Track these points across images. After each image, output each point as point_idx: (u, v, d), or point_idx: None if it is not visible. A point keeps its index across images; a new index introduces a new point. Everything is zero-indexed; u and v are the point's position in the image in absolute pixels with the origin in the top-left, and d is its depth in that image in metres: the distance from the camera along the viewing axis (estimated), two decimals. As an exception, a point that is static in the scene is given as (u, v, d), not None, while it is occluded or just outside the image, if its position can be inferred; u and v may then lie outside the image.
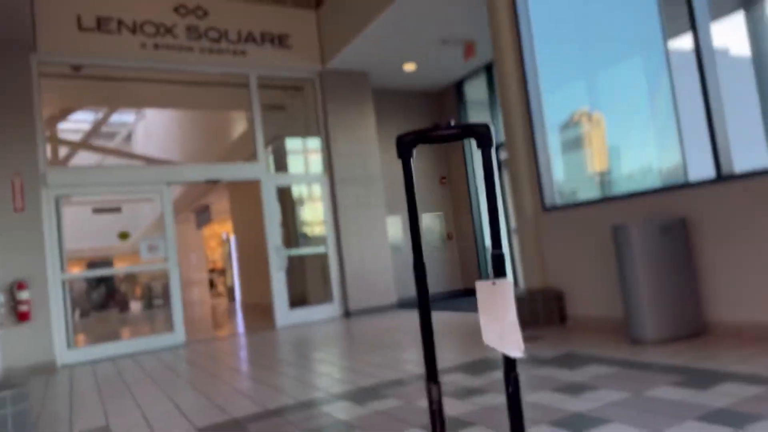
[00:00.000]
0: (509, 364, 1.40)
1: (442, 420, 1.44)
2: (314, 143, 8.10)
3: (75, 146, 12.96)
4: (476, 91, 8.88)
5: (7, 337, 5.56)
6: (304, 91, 8.23)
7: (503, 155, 8.40)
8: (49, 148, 10.33)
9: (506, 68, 5.28)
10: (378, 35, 6.87)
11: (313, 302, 8.38)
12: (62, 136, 12.64)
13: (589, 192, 5.77)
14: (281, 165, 8.89)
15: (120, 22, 6.51)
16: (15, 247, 5.73)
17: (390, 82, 8.67)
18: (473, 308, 7.52)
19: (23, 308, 5.63)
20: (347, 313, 7.67)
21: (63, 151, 12.18)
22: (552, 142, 5.37)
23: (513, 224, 8.08)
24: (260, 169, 7.42)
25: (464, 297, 8.78)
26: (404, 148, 1.31)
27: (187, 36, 6.87)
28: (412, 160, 1.33)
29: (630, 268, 3.80)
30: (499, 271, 1.31)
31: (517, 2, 5.20)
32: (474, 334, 4.94)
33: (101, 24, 6.41)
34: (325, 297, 7.98)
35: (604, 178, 5.97)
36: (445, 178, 9.39)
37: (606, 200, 4.51)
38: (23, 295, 5.63)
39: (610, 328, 4.38)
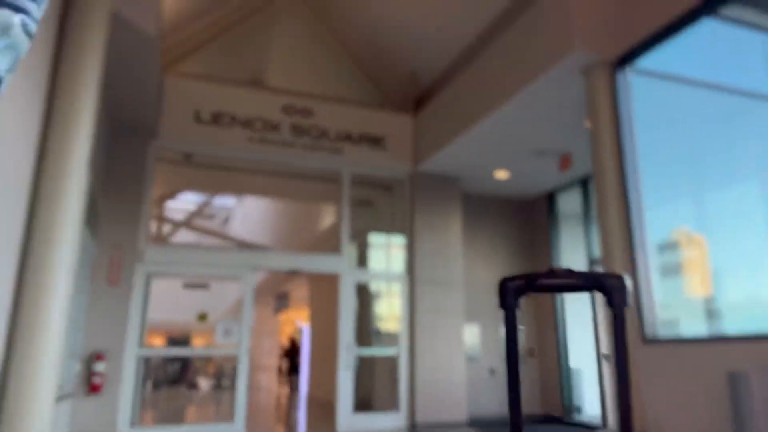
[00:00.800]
0: None
1: None
2: (398, 242, 8.05)
3: (177, 225, 13.87)
4: (569, 203, 8.58)
5: (75, 407, 5.63)
6: (393, 189, 8.35)
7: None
8: (153, 225, 11.10)
9: (606, 182, 5.03)
10: (472, 142, 6.91)
11: (379, 408, 7.93)
12: (168, 214, 13.61)
13: (693, 321, 5.15)
14: (363, 259, 8.88)
15: (233, 118, 7.04)
16: (101, 318, 5.95)
17: (480, 187, 8.61)
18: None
19: (96, 380, 5.73)
20: (413, 426, 7.14)
21: (165, 228, 13.05)
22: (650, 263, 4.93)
23: (603, 350, 7.38)
24: (342, 264, 7.41)
25: (542, 424, 7.95)
26: (509, 296, 1.11)
27: (291, 133, 7.28)
28: (517, 310, 1.13)
29: (750, 424, 3.20)
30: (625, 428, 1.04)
31: (620, 115, 5.04)
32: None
33: (216, 118, 6.96)
34: (392, 404, 7.52)
35: (710, 306, 5.35)
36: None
37: (718, 340, 3.96)
38: (99, 367, 5.75)
39: (725, 497, 3.66)
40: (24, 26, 0.47)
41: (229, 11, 7.57)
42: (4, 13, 0.45)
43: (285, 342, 15.60)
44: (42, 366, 3.19)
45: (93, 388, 5.67)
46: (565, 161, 7.44)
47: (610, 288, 1.07)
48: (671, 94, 5.67)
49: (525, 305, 8.84)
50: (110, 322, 5.97)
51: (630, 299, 1.00)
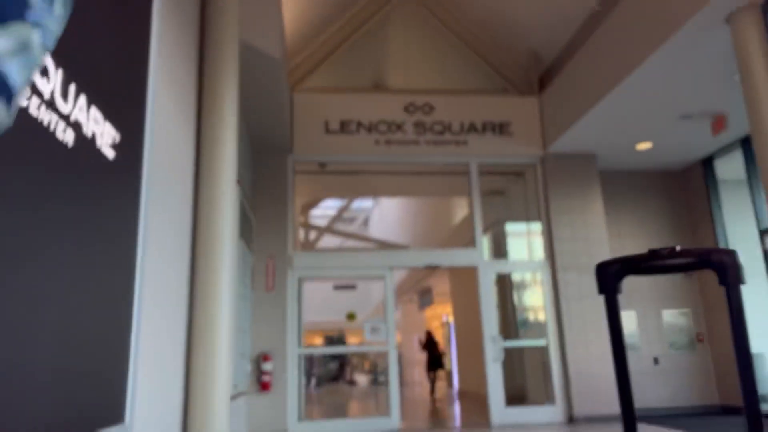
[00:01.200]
0: None
1: None
2: (535, 228, 7.78)
3: (321, 230, 14.78)
4: (731, 168, 7.63)
5: (251, 404, 6.26)
6: (525, 176, 8.09)
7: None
8: (300, 233, 11.94)
9: (766, 143, 4.40)
10: (605, 115, 6.46)
11: (533, 401, 7.73)
12: (312, 221, 14.57)
13: None
14: (500, 251, 8.72)
15: (359, 124, 7.33)
16: (263, 322, 6.55)
17: (621, 162, 8.00)
18: (729, 428, 6.01)
19: (266, 379, 6.32)
20: (571, 419, 6.85)
21: (312, 235, 13.98)
22: None
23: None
24: (477, 256, 7.35)
25: (721, 416, 7.16)
26: (607, 280, 1.05)
27: (415, 131, 7.40)
28: (618, 295, 1.07)
29: None
30: None
31: (781, 66, 4.37)
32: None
33: (343, 126, 7.31)
34: (546, 397, 7.28)
35: None
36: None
37: None
38: (267, 366, 6.34)
39: None
40: (43, 45, 0.48)
41: (345, 22, 7.89)
42: (23, 29, 0.45)
43: (422, 336, 15.00)
44: (217, 366, 3.61)
45: (263, 386, 6.27)
46: (719, 123, 6.64)
47: (722, 265, 0.96)
48: None
49: (689, 286, 8.03)
50: (271, 325, 6.55)
51: (744, 276, 0.88)
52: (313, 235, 14.33)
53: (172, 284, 3.26)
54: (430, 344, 13.67)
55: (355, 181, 9.06)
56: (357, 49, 8.00)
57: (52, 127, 1.60)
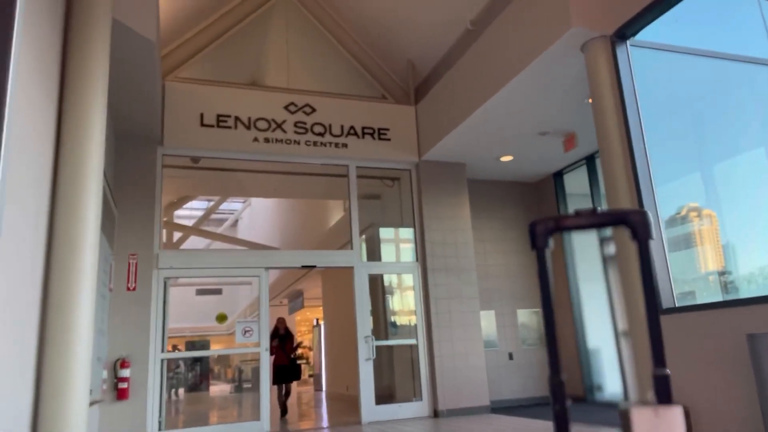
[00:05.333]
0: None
1: None
2: (408, 233, 8.10)
3: (187, 231, 13.96)
4: (576, 182, 8.59)
5: (104, 413, 5.72)
6: (400, 180, 8.39)
7: (609, 250, 7.90)
8: (164, 233, 11.19)
9: (612, 158, 5.04)
10: (475, 127, 6.94)
11: (401, 399, 7.99)
12: (177, 221, 13.72)
13: (707, 295, 5.18)
14: (374, 254, 8.93)
15: (237, 119, 7.09)
16: (123, 325, 6.03)
17: (486, 172, 8.64)
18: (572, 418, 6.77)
19: (123, 385, 5.82)
20: (436, 413, 7.20)
21: (176, 236, 13.16)
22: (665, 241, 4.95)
23: (621, 326, 7.40)
24: (354, 257, 7.47)
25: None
26: (540, 237, 1.16)
27: (295, 130, 7.33)
28: (547, 250, 1.18)
29: (774, 386, 3.23)
30: (664, 396, 1.08)
31: (623, 90, 5.04)
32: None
33: (220, 121, 7.01)
34: (413, 393, 7.59)
35: (725, 279, 5.37)
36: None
37: (736, 303, 3.98)
38: (124, 372, 5.84)
39: (752, 458, 3.69)
40: None
41: (224, 15, 7.60)
42: None
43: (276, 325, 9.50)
44: (73, 370, 3.26)
45: (120, 394, 5.76)
46: (569, 141, 7.45)
47: (634, 222, 1.12)
48: (673, 66, 5.68)
49: (534, 289, 8.86)
50: (132, 328, 6.06)
51: (653, 232, 1.05)
52: (177, 236, 13.51)
53: (25, 273, 2.89)
54: (282, 338, 9.11)
55: (228, 179, 8.72)
56: (236, 44, 7.74)
57: None
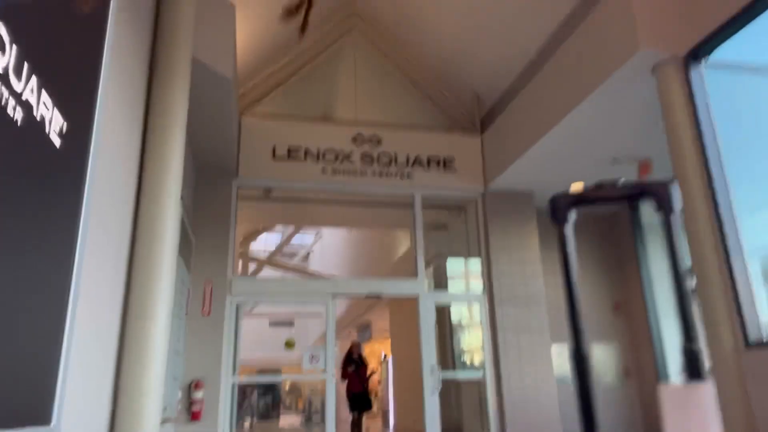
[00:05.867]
0: None
1: None
2: (475, 263, 7.99)
3: (261, 262, 14.50)
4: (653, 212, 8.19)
5: (179, 432, 5.95)
6: (466, 210, 8.34)
7: (691, 284, 7.41)
8: (240, 264, 11.68)
9: (689, 185, 4.78)
10: (541, 156, 6.83)
11: (468, 434, 7.76)
12: (251, 254, 14.28)
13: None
14: (441, 284, 8.86)
15: (306, 151, 7.39)
16: (197, 348, 6.31)
17: (555, 202, 8.42)
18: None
19: (196, 408, 6.04)
20: (506, 451, 6.91)
21: (251, 268, 13.69)
22: (754, 271, 4.60)
23: (707, 364, 6.85)
24: (419, 286, 7.45)
25: (647, 448, 7.44)
26: (560, 211, 1.15)
27: (362, 161, 7.52)
28: (568, 225, 1.17)
29: None
30: (695, 372, 1.03)
31: (698, 112, 4.82)
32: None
33: (291, 153, 7.34)
34: (482, 428, 7.34)
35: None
36: (620, 305, 8.49)
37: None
38: (198, 394, 6.07)
39: None
40: None
41: (297, 54, 8.03)
42: None
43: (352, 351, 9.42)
44: (148, 388, 3.44)
45: (194, 416, 5.98)
46: (644, 168, 7.15)
47: (657, 194, 1.09)
48: (753, 86, 5.38)
49: (616, 324, 8.41)
50: (206, 352, 6.31)
51: (677, 204, 1.03)
52: (252, 267, 14.04)
53: (108, 290, 3.13)
54: (357, 364, 8.84)
55: (299, 209, 9.04)
56: (307, 81, 8.13)
57: (2, 101, 1.56)
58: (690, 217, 4.73)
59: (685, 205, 4.85)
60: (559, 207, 1.13)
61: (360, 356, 8.97)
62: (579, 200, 1.14)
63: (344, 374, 8.59)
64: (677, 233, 1.02)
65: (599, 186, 1.15)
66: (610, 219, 8.84)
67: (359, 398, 8.56)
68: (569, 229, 1.19)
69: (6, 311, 1.70)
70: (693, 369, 1.05)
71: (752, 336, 4.22)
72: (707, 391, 1.00)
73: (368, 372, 9.03)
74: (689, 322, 1.10)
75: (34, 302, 1.90)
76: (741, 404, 4.18)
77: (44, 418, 1.97)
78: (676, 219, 1.11)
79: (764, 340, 4.17)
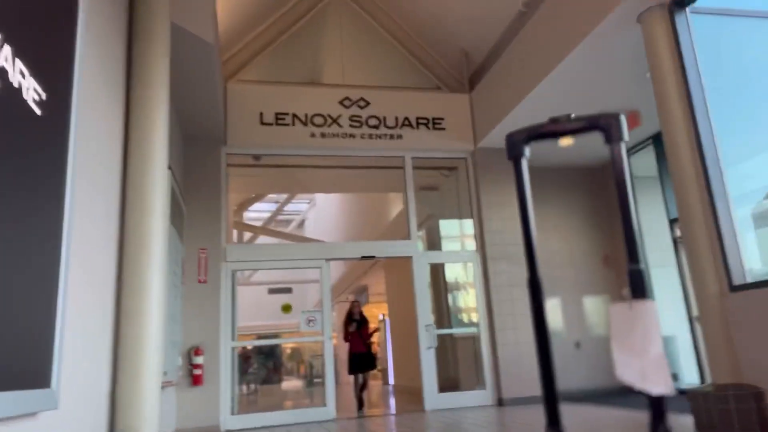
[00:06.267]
0: (656, 410, 1.12)
1: None
2: (467, 223, 8.06)
3: (255, 230, 14.54)
4: (644, 164, 8.22)
5: (181, 398, 6.10)
6: (457, 170, 8.36)
7: (677, 233, 7.51)
8: (235, 233, 11.72)
9: (676, 139, 4.79)
10: (531, 110, 6.81)
11: (464, 387, 7.98)
12: (246, 223, 14.30)
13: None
14: (434, 245, 8.95)
15: (294, 116, 7.33)
16: (196, 315, 6.40)
17: (545, 158, 8.43)
18: (645, 404, 6.44)
19: (197, 372, 6.17)
20: (500, 402, 7.14)
21: (246, 237, 13.74)
22: (741, 217, 4.67)
23: (694, 311, 7.02)
24: (412, 247, 7.53)
25: (639, 394, 7.68)
26: (514, 146, 1.19)
27: (351, 124, 7.49)
28: (523, 160, 1.21)
29: None
30: (638, 291, 1.08)
31: (685, 63, 4.80)
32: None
33: (278, 119, 7.28)
34: (477, 382, 7.55)
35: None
36: (609, 257, 8.62)
37: (816, 278, 3.70)
38: (198, 360, 6.19)
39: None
40: None
41: (280, 18, 7.88)
42: None
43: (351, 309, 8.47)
44: (146, 353, 3.52)
45: (195, 380, 6.12)
46: (632, 119, 7.15)
47: (606, 125, 1.12)
48: (738, 32, 5.35)
49: (606, 276, 8.55)
50: (204, 318, 6.41)
51: (626, 133, 1.07)
52: (247, 236, 14.09)
53: (101, 258, 3.17)
54: (358, 324, 8.17)
55: (290, 176, 9.03)
56: (292, 45, 8.00)
57: (-25, 68, 1.55)
58: (675, 165, 4.77)
59: (669, 156, 4.88)
60: (514, 142, 1.17)
61: (361, 314, 8.39)
62: (533, 135, 1.18)
63: (346, 335, 8.21)
64: (623, 164, 1.06)
65: (553, 120, 1.18)
66: (598, 172, 8.88)
67: (362, 358, 8.10)
68: (524, 164, 1.23)
69: (-3, 278, 1.73)
70: (637, 288, 1.10)
71: (736, 280, 4.32)
72: (649, 307, 1.05)
73: (370, 329, 8.52)
74: (633, 244, 1.15)
75: (26, 270, 1.93)
76: (726, 347, 4.31)
77: (43, 381, 2.03)
78: (623, 150, 1.14)
79: (748, 283, 4.27)
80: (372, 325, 8.79)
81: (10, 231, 1.81)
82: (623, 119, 1.13)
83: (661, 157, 7.65)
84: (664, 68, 4.88)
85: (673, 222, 7.52)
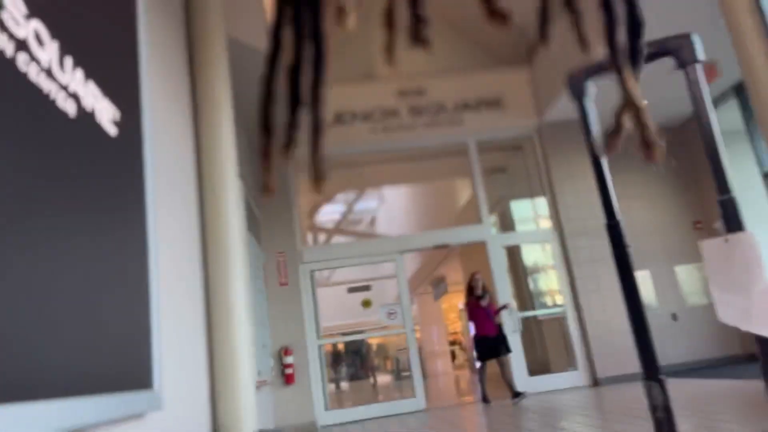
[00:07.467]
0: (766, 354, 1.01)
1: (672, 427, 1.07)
2: (540, 202, 7.80)
3: (329, 232, 14.84)
4: (728, 117, 7.62)
5: (277, 396, 6.32)
6: (523, 149, 8.12)
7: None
8: (310, 237, 12.01)
9: (761, 87, 4.39)
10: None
11: (555, 370, 7.74)
12: (318, 226, 14.62)
13: None
14: (508, 228, 8.74)
15: (353, 114, 7.39)
16: (280, 317, 6.61)
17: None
18: (758, 374, 5.95)
19: (289, 371, 6.38)
20: (595, 382, 6.86)
21: (321, 240, 14.05)
22: None
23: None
24: (485, 231, 7.39)
25: (746, 363, 7.15)
26: (577, 85, 1.11)
27: (410, 115, 7.45)
28: (587, 100, 1.13)
29: None
30: (733, 222, 0.98)
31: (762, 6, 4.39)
32: (762, 404, 3.90)
33: (338, 118, 7.37)
34: (569, 364, 7.30)
35: None
36: (701, 223, 8.06)
37: None
38: (289, 359, 6.40)
39: None
40: None
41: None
42: None
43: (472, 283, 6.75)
44: (238, 355, 3.67)
45: (287, 379, 6.33)
46: (710, 72, 6.64)
47: (677, 47, 1.01)
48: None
49: (693, 243, 8.00)
50: (288, 319, 6.62)
51: (700, 52, 0.95)
52: (322, 238, 14.40)
53: (187, 270, 3.32)
54: (482, 298, 6.56)
55: (355, 174, 9.12)
56: (342, 41, 8.06)
57: (52, 96, 1.66)
58: (763, 114, 4.37)
59: (756, 102, 4.47)
60: (575, 81, 1.09)
61: (484, 288, 6.63)
62: (594, 70, 1.09)
63: (471, 313, 6.58)
64: (701, 89, 0.95)
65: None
66: (678, 131, 8.32)
67: (492, 342, 6.40)
68: (589, 105, 1.15)
69: (94, 293, 1.84)
70: (731, 219, 0.99)
71: None
72: (748, 239, 0.94)
73: (497, 305, 6.84)
74: (721, 173, 1.04)
75: (122, 282, 2.05)
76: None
77: (146, 383, 2.15)
78: (699, 73, 1.03)
79: None
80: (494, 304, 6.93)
81: (104, 248, 1.93)
82: (696, 39, 1.02)
83: (746, 108, 7.06)
84: (741, 12, 4.48)
85: (766, 175, 6.92)
